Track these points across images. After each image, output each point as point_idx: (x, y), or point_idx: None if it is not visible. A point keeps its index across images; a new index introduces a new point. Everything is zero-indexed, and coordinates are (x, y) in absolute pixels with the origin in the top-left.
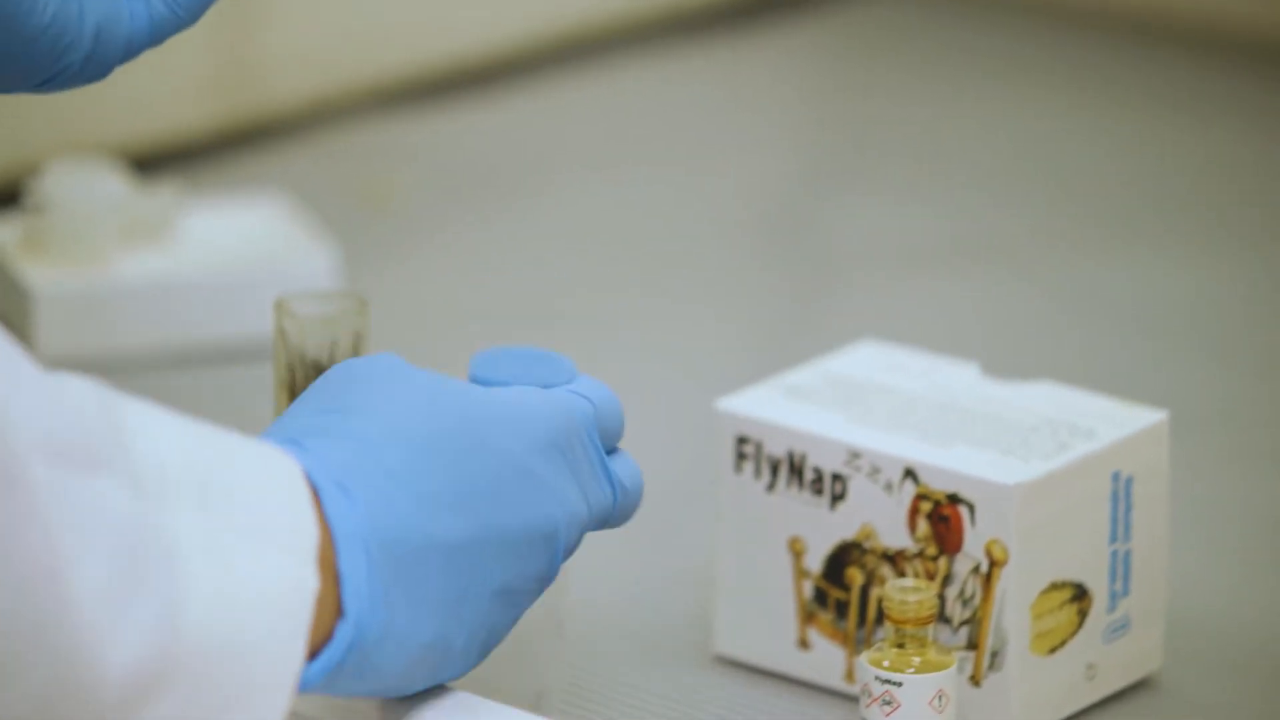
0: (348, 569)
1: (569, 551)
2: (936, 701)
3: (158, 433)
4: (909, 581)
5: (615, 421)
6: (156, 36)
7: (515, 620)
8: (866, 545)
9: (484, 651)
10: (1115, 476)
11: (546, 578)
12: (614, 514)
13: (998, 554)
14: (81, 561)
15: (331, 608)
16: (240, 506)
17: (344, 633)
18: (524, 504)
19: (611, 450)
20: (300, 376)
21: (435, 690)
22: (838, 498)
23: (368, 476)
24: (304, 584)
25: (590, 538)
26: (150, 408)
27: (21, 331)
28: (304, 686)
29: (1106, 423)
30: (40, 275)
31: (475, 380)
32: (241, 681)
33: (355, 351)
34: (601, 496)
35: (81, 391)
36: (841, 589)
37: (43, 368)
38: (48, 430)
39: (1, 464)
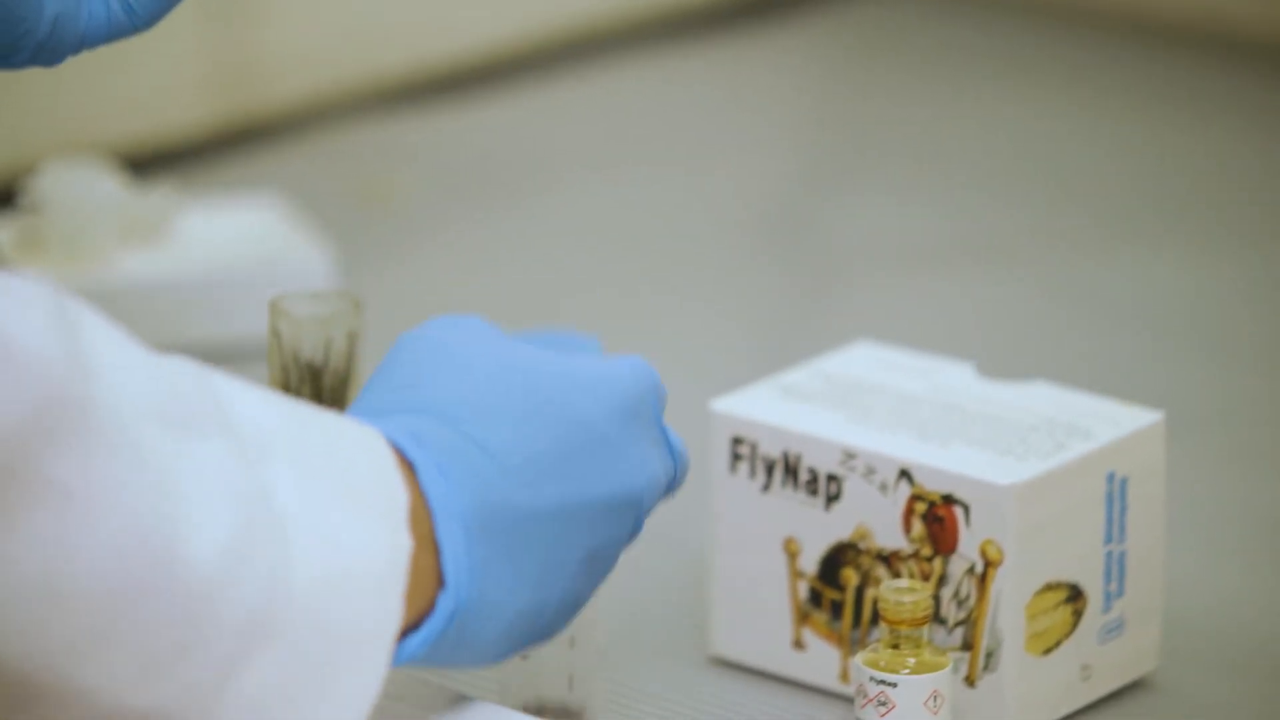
0: (446, 539)
1: (649, 512)
2: (931, 702)
3: (251, 403)
4: (904, 582)
5: (664, 393)
6: (111, 36)
7: (599, 585)
8: (861, 546)
9: (570, 617)
10: (1110, 477)
11: (629, 540)
12: (675, 481)
13: (993, 554)
14: (196, 519)
15: (432, 579)
16: (332, 472)
17: (445, 603)
18: (608, 471)
19: None
20: (294, 377)
21: (459, 700)
22: (833, 498)
23: (455, 448)
24: (398, 545)
25: None
26: (239, 381)
27: None
28: (407, 658)
29: (1102, 423)
30: (34, 273)
31: None
32: (343, 641)
33: (350, 353)
34: (667, 463)
35: (178, 364)
36: (836, 589)
37: (142, 344)
38: (151, 398)
39: (112, 427)
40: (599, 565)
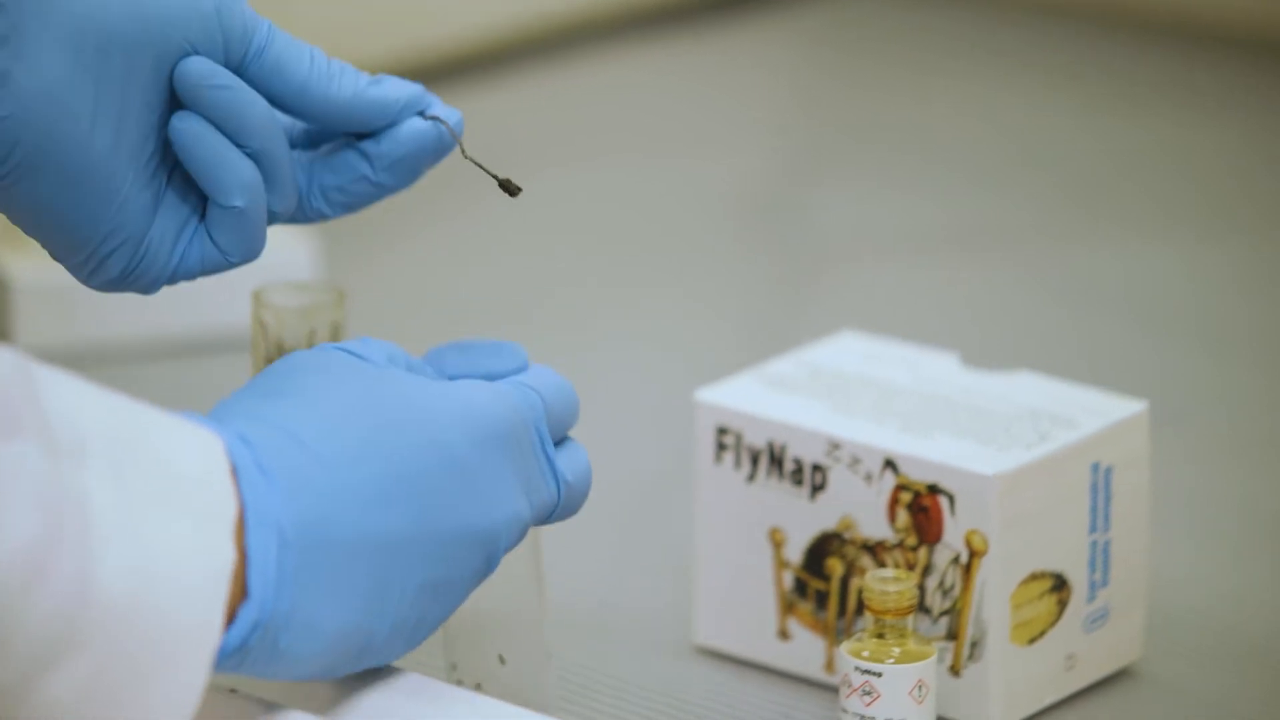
0: (256, 550)
1: (507, 550)
2: (916, 691)
3: (74, 400)
4: (889, 572)
5: (567, 410)
6: (205, 271)
7: (448, 614)
8: (846, 536)
9: (412, 642)
10: (1095, 467)
11: (483, 575)
12: (557, 510)
13: (977, 544)
14: (1, 525)
15: (239, 588)
16: (156, 475)
17: (247, 614)
18: (461, 504)
19: (561, 441)
20: None
21: (385, 671)
22: (818, 488)
23: (292, 461)
24: (220, 554)
25: (570, 527)
26: (67, 376)
27: (0, 323)
28: (215, 667)
29: (1087, 413)
30: (19, 267)
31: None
32: (157, 650)
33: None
34: (546, 494)
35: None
36: (822, 579)
37: None
38: None
39: None
40: (442, 596)
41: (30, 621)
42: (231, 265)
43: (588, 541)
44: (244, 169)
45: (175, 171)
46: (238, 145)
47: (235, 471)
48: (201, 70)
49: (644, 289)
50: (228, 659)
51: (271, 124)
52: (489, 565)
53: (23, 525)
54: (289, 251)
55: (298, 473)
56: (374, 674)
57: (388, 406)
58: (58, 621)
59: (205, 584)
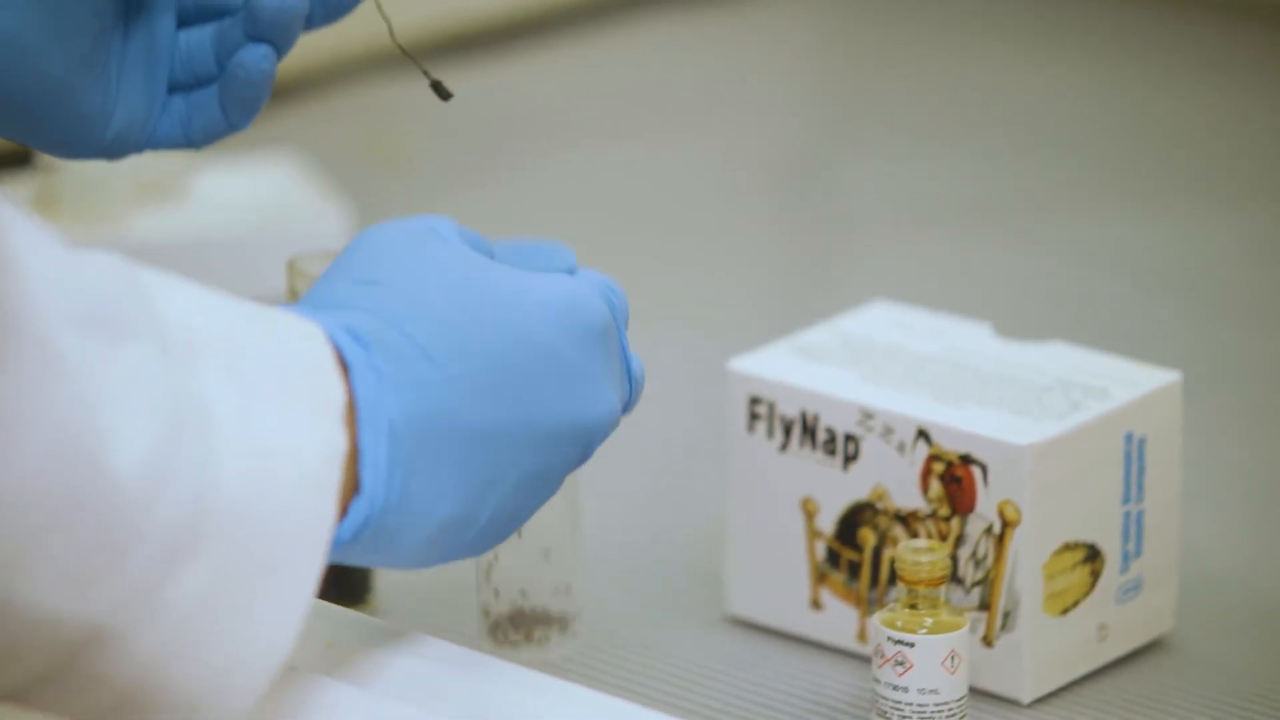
0: (367, 444)
1: (602, 442)
2: (949, 662)
3: (182, 301)
4: (922, 542)
5: (626, 311)
6: (169, 148)
7: (539, 506)
8: (879, 506)
9: (504, 535)
10: (1128, 437)
11: (577, 466)
12: (628, 404)
13: (1010, 515)
14: (119, 429)
15: (350, 480)
16: (266, 369)
17: (359, 506)
18: (561, 396)
19: None
20: None
21: (420, 640)
22: (850, 458)
23: (398, 354)
24: (332, 445)
25: (601, 497)
26: (170, 278)
27: None
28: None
29: (1119, 383)
30: None
31: None
32: (275, 542)
33: None
34: (625, 390)
35: (105, 264)
36: (854, 550)
37: (65, 242)
38: (75, 301)
39: (30, 335)
40: (539, 487)
41: (156, 527)
42: (192, 147)
43: (619, 511)
44: None
45: (132, 45)
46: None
47: (347, 366)
48: None
49: (674, 261)
50: (339, 549)
51: None
52: (584, 458)
53: (144, 431)
54: (321, 219)
55: (404, 365)
56: (422, 646)
57: (488, 299)
58: (183, 524)
59: (320, 472)
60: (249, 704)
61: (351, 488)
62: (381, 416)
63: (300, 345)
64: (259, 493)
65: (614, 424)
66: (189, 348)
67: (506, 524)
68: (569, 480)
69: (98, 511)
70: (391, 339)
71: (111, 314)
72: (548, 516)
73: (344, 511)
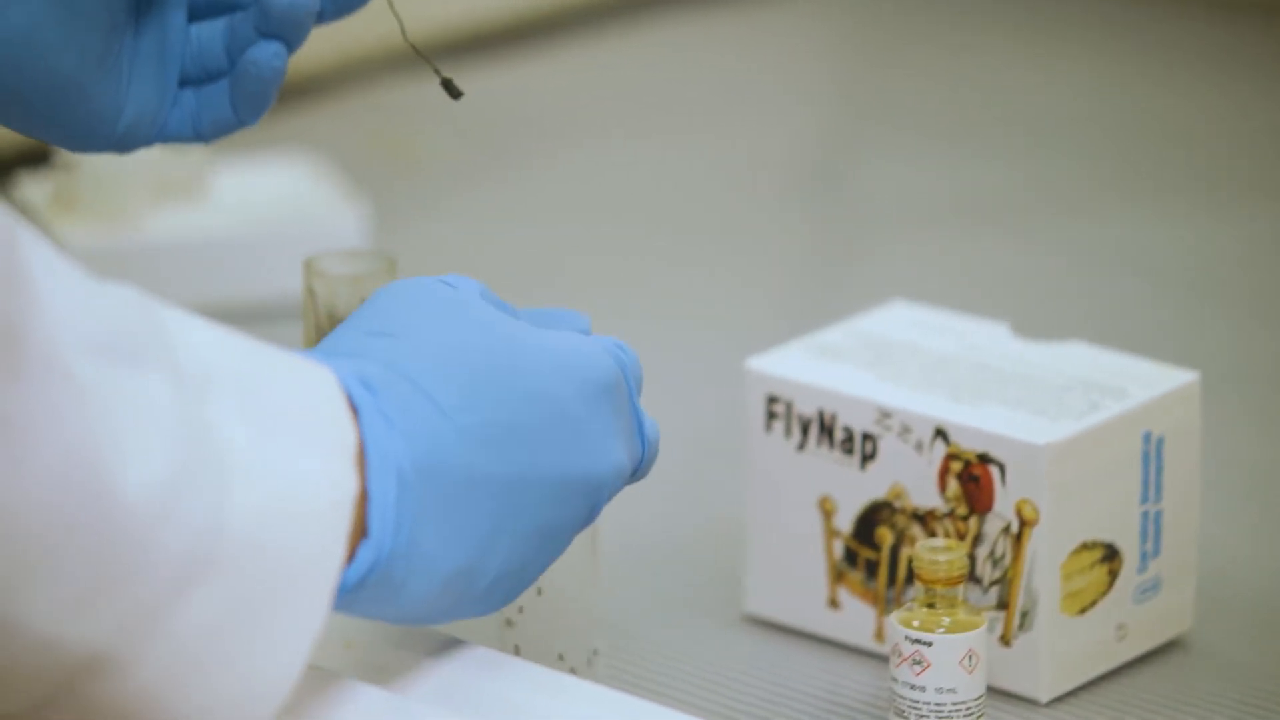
0: (376, 489)
1: (609, 500)
2: (967, 661)
3: (197, 336)
4: (939, 541)
5: (639, 374)
6: (177, 141)
7: (550, 562)
8: (897, 505)
9: (515, 590)
10: (1146, 437)
11: (585, 524)
12: (640, 467)
13: (1028, 514)
14: (130, 453)
15: (358, 527)
16: (279, 406)
17: (366, 552)
18: (569, 450)
19: None
20: None
21: (451, 644)
22: (868, 457)
23: (408, 403)
24: (343, 485)
25: (619, 498)
26: (185, 313)
27: None
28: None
29: (1137, 383)
30: (71, 233)
31: None
32: (284, 575)
33: None
34: (636, 449)
35: (123, 295)
36: (872, 549)
37: (85, 271)
38: (92, 328)
39: (46, 356)
40: (549, 543)
41: (164, 553)
42: (201, 140)
43: (637, 511)
44: None
45: (143, 40)
46: None
47: (356, 411)
48: None
49: (690, 261)
50: (345, 596)
51: None
52: (592, 514)
53: (155, 457)
54: (339, 219)
55: (414, 416)
56: (441, 646)
57: (498, 352)
58: (191, 552)
59: (329, 512)
60: None
61: (359, 532)
62: (390, 463)
63: (313, 386)
64: (269, 525)
65: (622, 481)
66: (203, 379)
67: (516, 578)
68: (588, 547)
69: (103, 533)
70: (401, 388)
71: (128, 343)
72: (566, 579)
73: (351, 555)
